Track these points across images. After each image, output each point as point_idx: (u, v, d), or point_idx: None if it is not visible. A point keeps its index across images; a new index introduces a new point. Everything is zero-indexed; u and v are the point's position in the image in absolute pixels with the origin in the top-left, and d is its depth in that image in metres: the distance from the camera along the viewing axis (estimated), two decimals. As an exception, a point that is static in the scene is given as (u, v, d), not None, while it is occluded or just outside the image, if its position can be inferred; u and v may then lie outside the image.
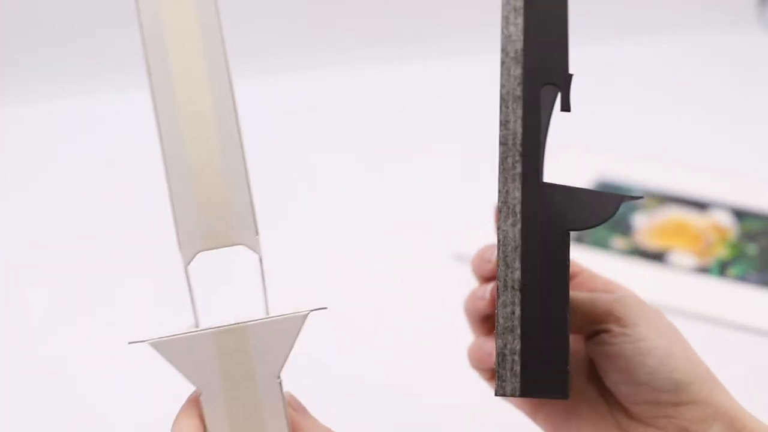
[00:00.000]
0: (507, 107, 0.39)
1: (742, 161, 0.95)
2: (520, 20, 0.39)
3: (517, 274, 0.38)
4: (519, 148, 0.39)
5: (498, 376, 0.37)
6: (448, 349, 0.54)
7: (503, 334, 0.37)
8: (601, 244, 0.79)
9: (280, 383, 0.37)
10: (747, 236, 0.80)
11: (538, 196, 0.38)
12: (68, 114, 1.11)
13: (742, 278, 0.74)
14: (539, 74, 0.39)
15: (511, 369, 0.37)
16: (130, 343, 0.38)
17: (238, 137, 0.37)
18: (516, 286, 0.38)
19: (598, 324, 0.41)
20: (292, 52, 1.23)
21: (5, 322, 0.72)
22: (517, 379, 0.37)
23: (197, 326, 0.38)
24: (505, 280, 0.38)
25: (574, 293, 0.42)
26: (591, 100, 1.14)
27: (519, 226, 0.38)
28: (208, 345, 0.36)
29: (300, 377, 0.63)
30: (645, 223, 0.82)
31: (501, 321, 0.37)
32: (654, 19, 1.34)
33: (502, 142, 0.39)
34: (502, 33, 0.39)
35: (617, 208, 0.38)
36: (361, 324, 0.70)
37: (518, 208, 0.38)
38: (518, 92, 0.39)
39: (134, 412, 0.61)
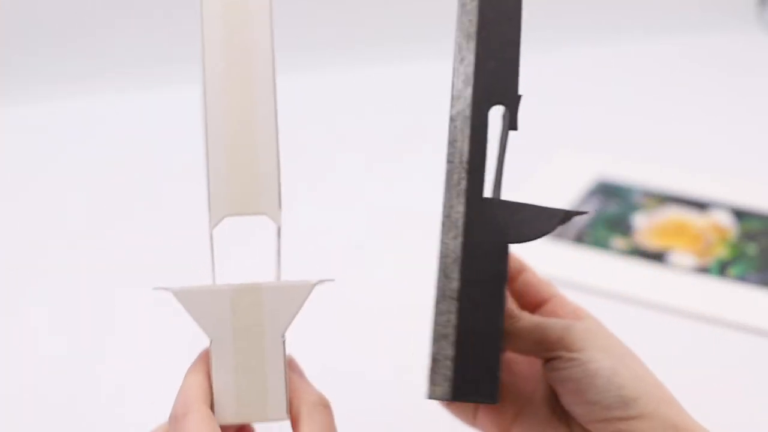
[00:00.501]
0: (455, 127, 0.41)
1: (741, 161, 0.95)
2: (472, 45, 0.41)
3: (455, 284, 0.39)
4: (465, 165, 0.40)
5: (430, 380, 0.39)
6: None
7: (438, 340, 0.39)
8: (601, 244, 0.79)
9: (284, 342, 0.41)
10: (747, 236, 0.80)
11: (480, 211, 0.40)
12: (68, 114, 1.11)
13: (742, 278, 0.74)
14: (489, 96, 0.41)
15: (444, 374, 0.39)
16: (154, 288, 0.41)
17: (274, 119, 0.42)
18: (453, 296, 0.39)
19: (550, 351, 0.43)
20: (292, 53, 1.23)
21: (5, 322, 0.72)
22: (449, 384, 0.39)
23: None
24: (443, 290, 0.40)
25: (531, 319, 0.44)
26: (591, 100, 1.14)
27: (460, 239, 0.40)
28: (225, 299, 0.40)
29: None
30: (645, 223, 0.82)
31: (436, 328, 0.39)
32: (653, 20, 1.34)
33: (449, 160, 0.41)
34: (455, 57, 0.41)
35: (559, 223, 0.40)
36: (360, 323, 0.70)
37: (460, 222, 0.40)
38: (467, 113, 0.41)
39: (138, 410, 0.61)
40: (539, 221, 0.40)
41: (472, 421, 0.47)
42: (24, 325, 0.71)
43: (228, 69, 0.41)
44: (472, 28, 0.42)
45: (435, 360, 0.39)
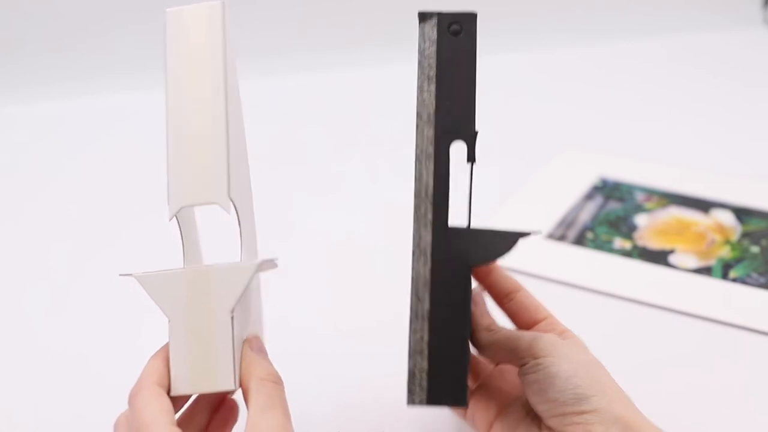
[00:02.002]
0: (420, 164, 0.46)
1: (744, 161, 0.95)
2: (432, 87, 0.46)
3: (426, 305, 0.45)
4: (430, 198, 0.46)
5: (408, 390, 0.45)
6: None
7: (413, 355, 0.45)
8: (603, 245, 0.79)
9: (232, 319, 0.45)
10: (749, 236, 0.80)
11: (444, 239, 0.45)
12: (68, 114, 1.11)
13: (745, 279, 0.74)
14: (449, 133, 0.46)
15: (420, 384, 0.45)
16: (120, 275, 0.47)
17: (224, 121, 0.46)
18: (425, 316, 0.45)
19: (521, 358, 0.48)
20: (292, 53, 1.23)
21: (6, 323, 0.71)
22: (424, 392, 0.45)
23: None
24: (416, 310, 0.45)
25: (506, 332, 0.51)
26: (593, 99, 1.14)
27: (429, 265, 0.46)
28: (179, 282, 0.45)
29: (303, 375, 0.63)
30: (647, 224, 0.82)
31: (412, 345, 0.45)
32: (658, 19, 1.34)
33: (416, 194, 0.46)
34: (417, 99, 0.46)
35: (513, 245, 0.46)
36: (359, 323, 0.70)
37: (428, 251, 0.46)
38: (430, 150, 0.46)
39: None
40: (496, 243, 0.46)
41: (463, 414, 0.55)
42: (24, 325, 0.71)
43: (184, 81, 0.48)
44: (432, 72, 0.46)
45: (412, 373, 0.45)
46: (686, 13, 1.34)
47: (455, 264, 0.45)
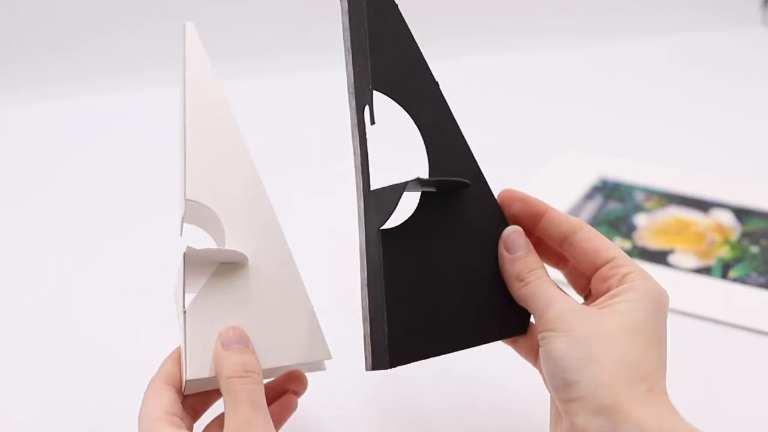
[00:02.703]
0: (352, 137, 0.49)
1: (744, 161, 0.95)
2: (350, 57, 0.48)
3: (365, 273, 0.46)
4: (359, 168, 0.49)
5: (365, 357, 0.46)
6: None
7: (363, 322, 0.46)
8: (603, 245, 0.79)
9: (185, 314, 0.47)
10: (749, 236, 0.80)
11: (368, 205, 0.46)
12: (68, 114, 1.11)
13: (744, 279, 0.74)
14: (362, 99, 0.48)
15: (366, 349, 0.46)
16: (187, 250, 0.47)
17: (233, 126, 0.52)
18: (365, 284, 0.46)
19: (537, 324, 0.46)
20: (292, 53, 1.23)
21: (6, 323, 0.71)
22: (369, 358, 0.46)
23: None
24: (361, 278, 0.46)
25: (530, 288, 0.47)
26: (593, 100, 1.14)
27: (363, 233, 0.46)
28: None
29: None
30: (646, 223, 0.82)
31: (362, 312, 0.46)
32: (658, 19, 1.34)
33: (354, 168, 0.49)
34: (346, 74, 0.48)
35: (400, 195, 0.45)
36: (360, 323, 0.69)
37: (362, 219, 0.47)
38: (355, 120, 0.49)
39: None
40: (393, 199, 0.46)
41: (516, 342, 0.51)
42: (24, 325, 0.71)
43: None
44: (348, 43, 0.48)
45: (364, 339, 0.46)
46: (686, 13, 1.34)
47: (372, 228, 0.46)
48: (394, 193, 0.45)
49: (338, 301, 0.73)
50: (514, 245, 0.48)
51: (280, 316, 0.49)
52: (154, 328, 0.68)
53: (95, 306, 0.73)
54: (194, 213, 0.51)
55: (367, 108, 0.47)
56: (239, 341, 0.47)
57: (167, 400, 0.45)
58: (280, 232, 0.52)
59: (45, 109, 1.12)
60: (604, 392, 0.42)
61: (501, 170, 0.96)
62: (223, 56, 1.09)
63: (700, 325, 0.68)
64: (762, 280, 0.73)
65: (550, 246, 0.50)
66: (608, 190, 0.88)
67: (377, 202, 0.46)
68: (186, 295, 0.48)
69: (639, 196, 0.87)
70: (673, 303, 0.71)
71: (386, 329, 0.44)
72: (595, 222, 0.82)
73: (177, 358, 0.47)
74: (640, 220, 0.83)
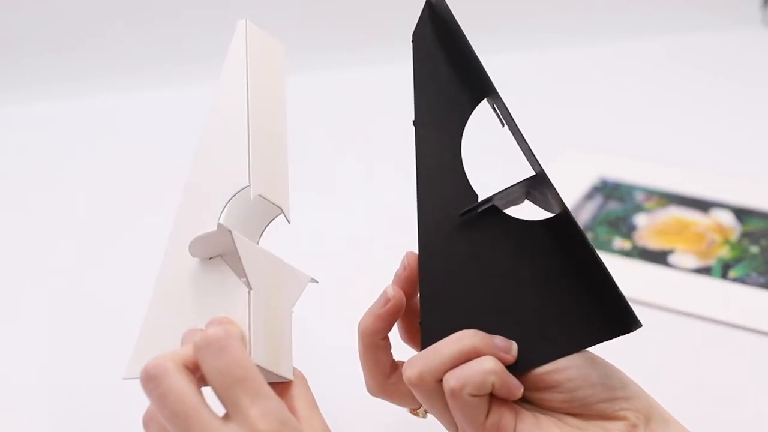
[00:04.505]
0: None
1: (744, 161, 0.95)
2: None
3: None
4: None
5: (631, 316, 0.44)
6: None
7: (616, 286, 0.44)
8: (603, 245, 0.79)
9: (292, 314, 0.47)
10: (749, 236, 0.80)
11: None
12: (68, 114, 1.11)
13: (744, 279, 0.74)
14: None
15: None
16: (220, 225, 0.45)
17: (286, 151, 0.52)
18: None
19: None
20: (292, 53, 1.23)
21: (7, 324, 0.71)
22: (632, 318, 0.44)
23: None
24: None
25: None
26: (593, 100, 1.14)
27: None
28: (267, 260, 0.46)
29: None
30: (646, 223, 0.82)
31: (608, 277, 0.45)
32: (658, 19, 1.34)
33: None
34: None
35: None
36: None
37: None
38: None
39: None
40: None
41: (481, 425, 0.46)
42: (24, 325, 0.71)
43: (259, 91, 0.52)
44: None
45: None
46: (686, 13, 1.34)
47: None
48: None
49: (338, 301, 0.73)
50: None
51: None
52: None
53: (95, 306, 0.73)
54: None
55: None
56: None
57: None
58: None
59: (45, 109, 1.12)
60: (647, 396, 0.46)
61: (501, 170, 0.96)
62: (222, 57, 1.09)
63: (700, 325, 0.68)
64: (762, 280, 0.73)
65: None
66: (608, 190, 0.88)
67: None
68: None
69: (639, 196, 0.87)
70: (673, 303, 0.71)
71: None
72: (595, 222, 0.82)
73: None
74: (640, 220, 0.83)
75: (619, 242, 0.79)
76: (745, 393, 0.61)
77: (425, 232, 0.48)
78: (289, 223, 0.48)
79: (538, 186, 0.47)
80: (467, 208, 0.47)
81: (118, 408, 0.61)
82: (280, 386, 0.44)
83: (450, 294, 0.47)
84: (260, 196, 0.47)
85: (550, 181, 0.46)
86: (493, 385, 0.44)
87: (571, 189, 0.88)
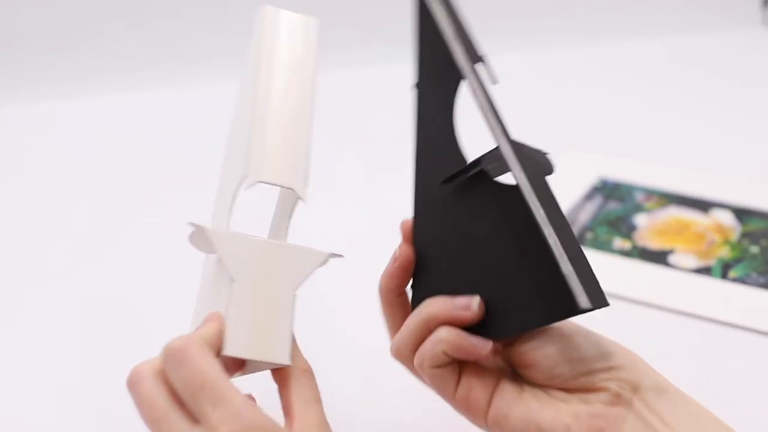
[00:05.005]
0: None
1: (744, 161, 0.95)
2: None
3: (541, 211, 0.43)
4: (494, 116, 0.46)
5: (575, 293, 0.41)
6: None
7: (562, 261, 0.41)
8: (603, 245, 0.79)
9: (295, 299, 0.46)
10: (749, 236, 0.80)
11: (518, 151, 0.45)
12: (68, 114, 1.11)
13: (744, 279, 0.74)
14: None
15: (579, 288, 0.41)
16: (189, 223, 0.45)
17: (310, 123, 0.50)
18: (546, 221, 0.43)
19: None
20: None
21: (7, 325, 0.71)
22: (585, 296, 0.41)
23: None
24: (537, 216, 0.43)
25: None
26: (593, 100, 1.14)
27: (524, 173, 0.44)
28: (253, 248, 0.45)
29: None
30: (646, 224, 0.82)
31: (554, 250, 0.42)
32: (658, 19, 1.34)
33: (484, 114, 0.46)
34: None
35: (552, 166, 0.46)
36: (361, 322, 0.70)
37: (515, 161, 0.45)
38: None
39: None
40: (545, 161, 0.47)
41: (452, 397, 0.48)
42: (24, 325, 0.71)
43: (277, 75, 0.51)
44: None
45: (569, 276, 0.41)
46: (686, 13, 1.34)
47: (537, 171, 0.45)
48: (542, 156, 0.47)
49: (339, 301, 0.73)
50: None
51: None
52: (154, 327, 0.68)
53: (95, 306, 0.73)
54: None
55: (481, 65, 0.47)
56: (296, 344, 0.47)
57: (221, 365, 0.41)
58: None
59: (45, 109, 1.12)
60: (639, 362, 0.45)
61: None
62: (223, 57, 1.09)
63: (699, 325, 0.68)
64: (762, 280, 0.74)
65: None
66: (608, 190, 0.88)
67: (529, 152, 0.46)
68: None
69: (639, 196, 0.87)
70: (673, 303, 0.71)
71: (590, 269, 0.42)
72: (595, 222, 0.82)
73: (217, 325, 0.43)
74: (640, 220, 0.83)
75: (619, 242, 0.79)
76: (745, 393, 0.61)
77: (417, 197, 0.48)
78: (304, 202, 0.49)
79: (518, 150, 0.46)
80: (454, 173, 0.47)
81: (119, 408, 0.61)
82: (280, 379, 0.45)
83: (436, 260, 0.47)
84: (263, 182, 0.47)
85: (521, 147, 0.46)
86: (444, 353, 0.45)
87: (571, 189, 0.88)
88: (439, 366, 0.46)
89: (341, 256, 0.48)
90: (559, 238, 0.42)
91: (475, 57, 0.48)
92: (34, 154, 1.02)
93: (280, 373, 0.45)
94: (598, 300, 0.41)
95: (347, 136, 1.05)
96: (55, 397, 0.63)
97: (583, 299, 0.40)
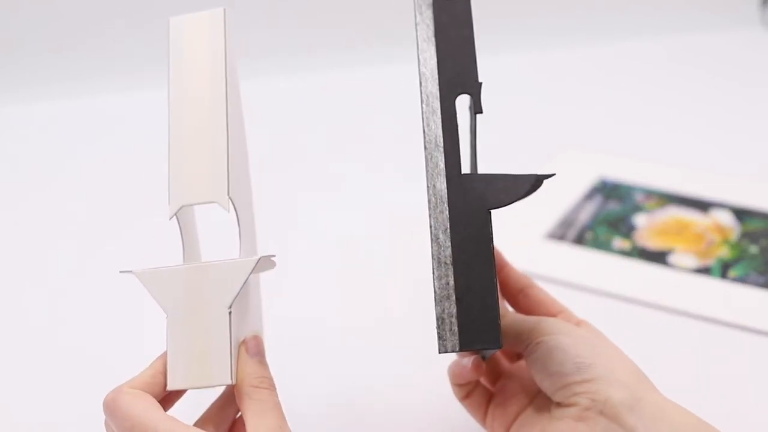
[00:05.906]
0: (427, 119, 0.46)
1: (744, 161, 0.95)
2: (432, 48, 0.47)
3: (448, 251, 0.44)
4: (441, 148, 0.46)
5: (439, 337, 0.43)
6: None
7: (440, 302, 0.43)
8: (602, 245, 0.79)
9: (230, 314, 0.45)
10: (749, 236, 0.80)
11: (459, 185, 0.45)
12: (68, 114, 1.11)
13: (744, 279, 0.74)
14: (453, 87, 0.46)
15: (450, 329, 0.43)
16: (121, 272, 0.46)
17: (225, 123, 0.48)
18: (448, 261, 0.44)
19: (526, 341, 0.48)
20: (292, 53, 1.23)
21: (6, 323, 0.71)
22: (456, 337, 0.43)
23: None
24: (438, 257, 0.44)
25: (513, 316, 0.51)
26: (592, 100, 1.14)
27: (446, 212, 0.45)
28: (178, 278, 0.45)
29: (302, 372, 0.63)
30: (646, 224, 0.82)
31: (437, 291, 0.44)
32: (657, 19, 1.34)
33: (426, 147, 0.46)
34: (418, 60, 0.47)
35: (531, 189, 0.45)
36: (360, 322, 0.70)
37: (445, 198, 0.45)
38: (435, 105, 0.46)
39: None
40: (513, 187, 0.46)
41: (483, 419, 0.53)
42: (24, 325, 0.71)
43: (186, 84, 0.52)
44: (430, 33, 0.47)
45: (440, 319, 0.43)
46: (686, 13, 1.34)
47: (473, 208, 0.45)
48: (519, 181, 0.46)
49: (339, 301, 0.73)
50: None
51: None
52: (154, 327, 0.68)
53: (95, 306, 0.73)
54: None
55: (465, 98, 0.47)
56: (261, 353, 0.47)
57: (152, 401, 0.43)
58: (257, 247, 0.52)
59: (45, 109, 1.12)
60: (622, 373, 0.45)
61: (501, 170, 0.96)
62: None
63: (699, 325, 0.68)
64: (761, 280, 0.74)
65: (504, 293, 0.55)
66: (608, 190, 0.88)
67: (487, 184, 0.46)
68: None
69: (638, 196, 0.87)
70: (672, 303, 0.71)
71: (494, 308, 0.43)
72: (595, 222, 0.82)
73: (159, 366, 0.46)
74: (640, 220, 0.83)
75: (618, 242, 0.79)
76: (745, 393, 0.61)
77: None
78: (227, 212, 0.47)
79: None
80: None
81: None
82: (235, 395, 0.45)
83: None
84: (185, 205, 0.47)
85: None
86: (455, 385, 0.53)
87: (570, 189, 0.88)
88: (462, 398, 0.53)
89: (273, 255, 0.48)
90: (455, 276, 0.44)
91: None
92: (34, 154, 1.02)
93: (231, 390, 0.46)
94: (477, 340, 0.43)
95: (347, 136, 1.05)
96: (55, 397, 0.63)
97: (441, 344, 0.43)
